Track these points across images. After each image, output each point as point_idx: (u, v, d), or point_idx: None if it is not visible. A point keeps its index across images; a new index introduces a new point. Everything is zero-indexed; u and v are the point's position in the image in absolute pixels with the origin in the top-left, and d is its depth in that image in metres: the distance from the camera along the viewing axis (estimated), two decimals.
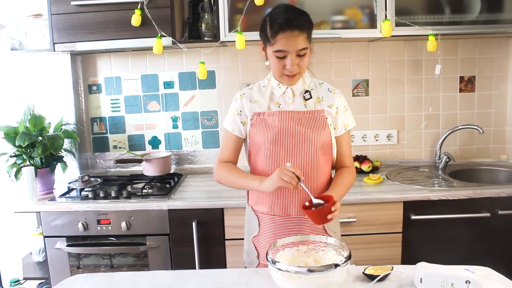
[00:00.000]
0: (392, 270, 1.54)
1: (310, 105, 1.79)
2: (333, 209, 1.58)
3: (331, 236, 1.66)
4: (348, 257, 1.42)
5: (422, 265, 1.47)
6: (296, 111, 1.77)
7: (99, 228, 2.47)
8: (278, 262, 1.40)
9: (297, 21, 1.63)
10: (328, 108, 1.81)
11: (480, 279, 1.38)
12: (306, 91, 1.80)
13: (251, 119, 1.80)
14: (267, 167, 1.77)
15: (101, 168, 3.16)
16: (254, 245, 1.86)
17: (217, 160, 1.89)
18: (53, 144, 2.59)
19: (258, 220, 1.83)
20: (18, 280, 2.78)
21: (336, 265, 1.36)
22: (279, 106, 1.79)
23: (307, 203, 1.65)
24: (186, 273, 1.68)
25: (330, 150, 1.82)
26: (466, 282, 1.38)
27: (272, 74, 1.81)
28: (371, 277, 1.51)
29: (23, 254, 2.89)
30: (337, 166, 1.89)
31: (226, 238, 2.45)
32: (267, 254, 1.46)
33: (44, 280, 2.73)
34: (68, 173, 2.89)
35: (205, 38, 2.75)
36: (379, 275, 1.49)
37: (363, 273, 1.54)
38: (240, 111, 1.82)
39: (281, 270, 1.38)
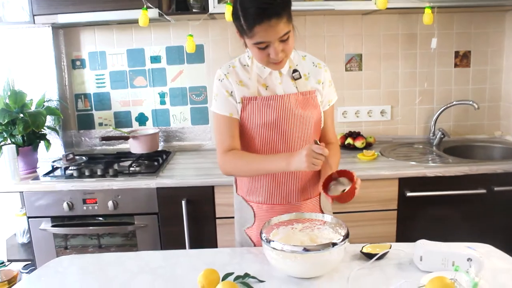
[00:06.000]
0: (390, 248, 1.49)
1: (300, 86, 1.67)
2: (358, 182, 1.49)
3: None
4: (346, 236, 1.36)
5: (422, 243, 1.42)
6: (288, 94, 1.64)
7: (85, 207, 2.39)
8: (273, 241, 1.34)
9: (271, 7, 1.42)
10: (317, 85, 1.70)
11: (482, 257, 1.34)
12: (295, 71, 1.67)
13: (239, 102, 1.66)
14: (261, 154, 1.66)
15: (86, 146, 3.06)
16: (249, 236, 1.76)
17: (219, 152, 1.66)
18: (34, 121, 2.49)
19: (253, 211, 1.73)
20: (3, 262, 2.71)
21: (334, 244, 1.31)
22: (266, 88, 1.66)
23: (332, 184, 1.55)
24: (175, 253, 1.61)
25: (319, 128, 1.74)
26: (468, 260, 1.33)
27: None
28: (369, 256, 1.46)
29: (7, 235, 2.81)
30: (320, 141, 1.74)
31: (216, 216, 2.39)
32: (261, 232, 1.40)
33: (29, 262, 2.66)
34: (52, 151, 2.80)
35: (193, 10, 2.64)
36: (377, 254, 1.44)
37: (361, 251, 1.49)
38: (231, 92, 1.66)
39: (276, 249, 1.32)
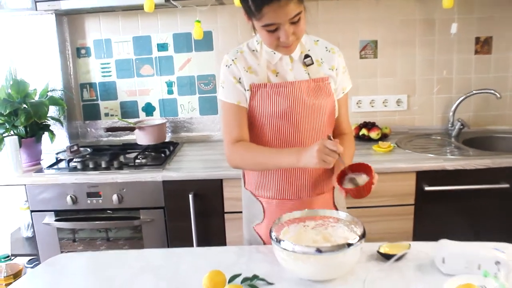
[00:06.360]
0: (409, 248, 1.38)
1: (312, 72, 1.56)
2: (375, 177, 1.40)
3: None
4: (362, 235, 1.26)
5: (444, 243, 1.31)
6: (300, 81, 1.54)
7: (88, 201, 2.32)
8: (283, 240, 1.24)
9: None
10: (330, 71, 1.58)
11: (511, 260, 1.23)
12: (307, 56, 1.56)
13: (247, 90, 1.55)
14: (271, 146, 1.56)
15: (92, 137, 2.99)
16: (258, 234, 1.66)
17: (226, 142, 1.57)
18: (36, 112, 2.42)
19: (263, 207, 1.63)
20: (9, 256, 2.66)
21: (349, 244, 1.21)
22: (276, 75, 1.55)
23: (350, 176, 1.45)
24: (179, 251, 1.53)
25: (333, 119, 1.63)
26: (495, 263, 1.22)
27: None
28: (386, 256, 1.35)
29: (12, 229, 2.75)
30: (334, 132, 1.67)
31: (225, 211, 2.31)
32: (270, 231, 1.30)
33: (34, 256, 2.61)
34: (57, 142, 2.74)
35: None
36: (395, 255, 1.33)
37: (378, 251, 1.38)
38: (240, 78, 1.55)
39: (287, 250, 1.22)
